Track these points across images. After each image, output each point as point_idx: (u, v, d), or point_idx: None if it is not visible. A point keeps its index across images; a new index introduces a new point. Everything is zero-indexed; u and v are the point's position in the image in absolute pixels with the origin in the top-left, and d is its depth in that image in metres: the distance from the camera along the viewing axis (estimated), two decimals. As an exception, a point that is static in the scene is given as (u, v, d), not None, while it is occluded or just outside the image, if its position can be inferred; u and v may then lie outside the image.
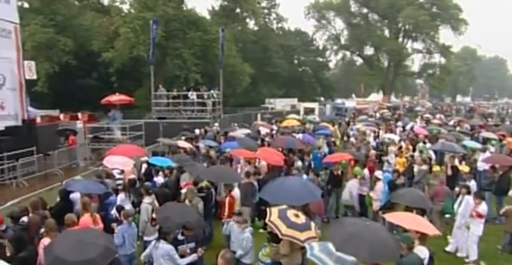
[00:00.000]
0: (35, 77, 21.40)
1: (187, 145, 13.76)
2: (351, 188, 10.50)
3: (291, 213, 6.13)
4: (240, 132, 16.84)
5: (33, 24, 34.45)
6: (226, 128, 19.85)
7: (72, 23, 39.62)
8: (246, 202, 8.94)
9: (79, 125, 23.79)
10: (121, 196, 8.28)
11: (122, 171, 9.68)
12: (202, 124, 22.24)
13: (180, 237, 6.45)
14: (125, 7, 38.83)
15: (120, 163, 9.71)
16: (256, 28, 52.43)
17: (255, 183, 9.75)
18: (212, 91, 26.69)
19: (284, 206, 6.44)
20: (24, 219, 6.48)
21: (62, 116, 29.36)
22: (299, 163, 12.29)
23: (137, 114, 31.44)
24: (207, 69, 39.56)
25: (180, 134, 18.21)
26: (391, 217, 6.91)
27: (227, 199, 8.14)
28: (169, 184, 9.27)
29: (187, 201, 7.81)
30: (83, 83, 39.35)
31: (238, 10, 45.01)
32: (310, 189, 7.48)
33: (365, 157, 13.22)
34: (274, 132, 19.91)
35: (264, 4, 53.31)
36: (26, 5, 36.94)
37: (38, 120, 26.25)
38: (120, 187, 8.94)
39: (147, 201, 7.68)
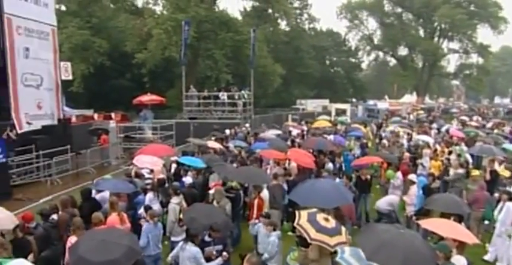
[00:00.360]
0: (70, 77, 21.92)
1: (217, 145, 13.68)
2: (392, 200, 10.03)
3: (320, 217, 5.91)
4: (270, 133, 16.69)
5: (70, 27, 35.42)
6: (256, 129, 19.71)
7: (107, 25, 40.53)
8: (275, 204, 8.74)
9: (112, 124, 24.21)
10: (149, 195, 8.25)
11: (152, 171, 9.69)
12: (232, 124, 22.21)
13: (207, 238, 6.34)
14: (158, 9, 39.49)
15: (150, 162, 9.71)
16: (288, 29, 52.16)
17: (284, 185, 9.56)
18: (243, 91, 26.66)
19: (314, 209, 6.23)
20: (54, 216, 6.54)
21: (96, 116, 30.01)
22: (330, 165, 11.99)
23: (169, 114, 31.78)
24: (238, 69, 39.60)
25: (210, 134, 18.21)
26: (427, 223, 6.53)
27: (256, 201, 7.96)
28: (197, 184, 9.20)
29: (215, 202, 7.68)
30: (116, 83, 40.14)
31: (270, 11, 44.86)
32: (341, 191, 7.22)
33: (398, 160, 12.78)
34: (304, 133, 19.63)
35: (296, 5, 52.97)
36: (63, 8, 37.96)
37: (73, 119, 26.93)
38: (149, 186, 8.93)
39: (175, 201, 7.62)
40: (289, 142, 15.23)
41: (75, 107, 32.38)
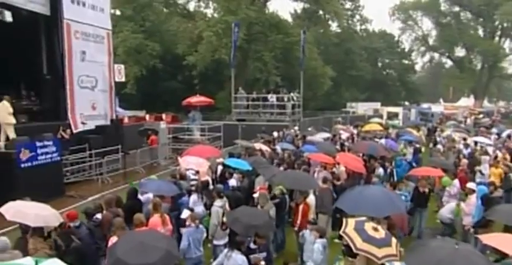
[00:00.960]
0: (123, 79, 22.57)
1: (264, 147, 13.52)
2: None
3: (369, 226, 5.51)
4: (319, 136, 16.28)
5: (125, 31, 36.64)
6: (304, 132, 19.33)
7: (160, 29, 41.58)
8: (323, 209, 8.40)
9: (162, 125, 24.68)
10: (193, 197, 8.17)
11: (197, 172, 9.62)
12: (281, 127, 21.98)
13: (252, 245, 6.12)
14: (209, 12, 40.02)
15: (195, 163, 9.66)
16: (338, 30, 51.31)
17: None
18: (292, 94, 26.35)
19: (363, 218, 5.84)
20: (98, 215, 6.59)
21: (147, 117, 30.85)
22: (380, 170, 11.43)
23: (218, 116, 32.10)
24: (288, 72, 39.34)
25: (258, 136, 18.06)
26: (489, 239, 5.89)
27: (301, 207, 7.64)
28: (242, 187, 9.01)
29: (259, 207, 7.46)
30: (168, 85, 41.06)
31: (320, 12, 44.30)
32: (393, 199, 6.71)
33: (454, 167, 11.99)
34: (354, 136, 18.98)
35: (347, 6, 52.02)
36: (118, 13, 39.33)
37: (126, 120, 27.79)
38: (193, 188, 8.86)
39: (218, 204, 7.47)
40: (338, 146, 14.78)
41: (128, 108, 33.45)
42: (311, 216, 7.69)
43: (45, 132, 14.94)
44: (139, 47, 37.01)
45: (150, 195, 7.50)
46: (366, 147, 12.91)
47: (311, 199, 7.96)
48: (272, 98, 25.73)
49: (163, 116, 31.31)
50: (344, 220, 5.75)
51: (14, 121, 13.21)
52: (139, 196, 7.65)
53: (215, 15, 38.10)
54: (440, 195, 10.83)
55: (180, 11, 42.06)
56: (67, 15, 17.27)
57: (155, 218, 6.33)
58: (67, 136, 14.84)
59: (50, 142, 12.59)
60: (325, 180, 8.82)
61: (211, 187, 9.32)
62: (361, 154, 12.84)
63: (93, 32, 18.98)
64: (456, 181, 10.30)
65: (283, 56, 38.36)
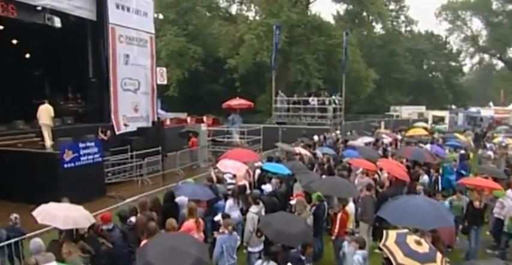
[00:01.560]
0: (165, 82, 22.89)
1: (304, 151, 13.17)
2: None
3: (411, 239, 5.11)
4: (361, 141, 15.73)
5: (168, 34, 37.33)
6: (346, 136, 18.82)
7: (202, 32, 42.08)
8: (365, 217, 8.03)
9: (203, 127, 24.83)
10: (229, 202, 8.01)
11: (234, 176, 9.48)
12: (322, 130, 21.55)
13: (301, 257, 5.87)
14: (250, 15, 40.09)
15: (233, 167, 9.50)
16: (383, 32, 50.08)
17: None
18: (333, 97, 25.85)
19: (405, 230, 5.45)
20: (132, 219, 6.55)
21: (188, 119, 31.21)
22: (425, 177, 10.83)
23: (259, 119, 32.01)
24: (330, 74, 38.80)
25: (298, 140, 17.74)
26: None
27: (339, 215, 7.27)
28: (279, 193, 8.70)
29: (296, 214, 7.18)
30: (209, 88, 41.45)
31: (364, 14, 43.37)
32: (441, 211, 6.18)
33: (507, 175, 11.19)
34: (398, 141, 18.15)
35: (392, 7, 50.66)
36: (161, 16, 40.11)
37: (167, 122, 28.20)
38: (230, 192, 8.72)
39: (254, 210, 7.26)
40: (380, 151, 14.20)
41: (170, 110, 34.01)
42: (350, 225, 7.32)
43: (90, 133, 15.41)
44: (181, 50, 37.59)
45: (185, 198, 7.41)
46: (411, 153, 12.23)
47: (350, 207, 7.57)
48: (313, 101, 25.35)
49: (204, 118, 31.59)
50: (385, 232, 5.38)
51: (52, 124, 13.84)
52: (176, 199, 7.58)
53: (257, 18, 38.11)
54: (491, 207, 10.05)
55: (222, 14, 42.42)
56: (112, 20, 17.70)
57: (190, 223, 6.20)
58: (105, 138, 15.08)
59: (92, 144, 12.85)
60: (369, 187, 8.41)
61: (248, 191, 9.17)
62: (404, 161, 12.28)
63: (136, 35, 19.35)
64: (510, 192, 9.54)
65: (325, 59, 37.84)
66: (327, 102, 25.22)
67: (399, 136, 19.20)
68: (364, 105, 46.28)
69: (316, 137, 18.68)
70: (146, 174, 15.68)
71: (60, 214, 5.49)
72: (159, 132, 19.77)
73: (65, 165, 11.89)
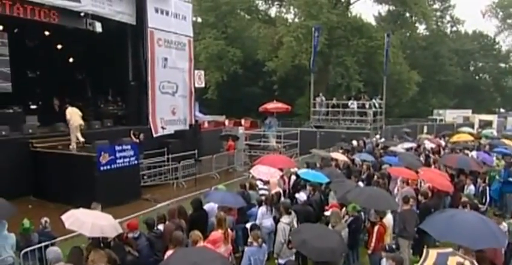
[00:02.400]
0: (203, 85, 22.93)
1: (341, 158, 12.66)
2: None
3: (453, 261, 4.60)
4: (401, 146, 14.95)
5: (208, 38, 37.60)
6: (386, 141, 18.08)
7: (241, 35, 42.18)
8: (405, 233, 7.45)
9: (241, 130, 24.74)
10: (262, 209, 7.72)
11: (267, 182, 9.18)
12: (361, 135, 20.90)
13: None
14: (289, 17, 39.72)
15: (266, 173, 9.21)
16: (426, 33, 48.36)
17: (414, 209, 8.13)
18: (374, 100, 25.09)
19: (447, 249, 4.96)
20: (160, 226, 6.40)
21: (226, 122, 31.19)
22: (471, 187, 10.03)
23: (297, 122, 31.63)
24: (371, 77, 37.88)
25: (336, 145, 17.21)
26: None
27: (376, 228, 6.79)
28: (314, 201, 8.27)
29: (330, 226, 6.79)
30: (248, 91, 41.43)
31: (407, 14, 42.03)
32: (493, 230, 5.55)
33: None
34: (441, 147, 17.08)
35: (436, 6, 48.79)
36: (199, 20, 40.45)
37: (205, 125, 28.29)
38: (263, 197, 8.44)
39: (285, 220, 6.94)
40: (422, 158, 13.42)
41: (208, 113, 34.20)
42: (387, 239, 6.83)
43: (128, 136, 15.60)
44: (220, 53, 37.77)
45: (215, 205, 7.19)
46: (455, 160, 11.39)
47: (388, 219, 7.04)
48: (353, 104, 24.71)
49: (242, 121, 31.53)
50: (425, 250, 4.91)
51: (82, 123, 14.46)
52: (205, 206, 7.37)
53: (296, 20, 37.70)
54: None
55: (261, 17, 42.29)
56: (151, 24, 17.92)
57: (217, 234, 5.96)
58: (137, 141, 15.14)
59: (128, 147, 12.95)
60: (407, 200, 7.79)
61: (282, 199, 8.86)
62: (447, 168, 11.53)
63: (175, 39, 19.51)
64: None
65: (366, 61, 36.94)
66: (367, 106, 24.53)
67: (443, 142, 18.17)
68: (406, 109, 44.82)
69: (355, 142, 18.05)
70: (182, 177, 15.66)
71: (89, 221, 5.41)
72: (196, 135, 19.82)
73: (101, 168, 12.03)
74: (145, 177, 14.73)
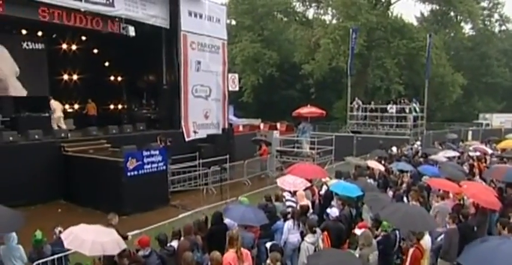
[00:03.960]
0: (237, 88, 22.63)
1: (377, 166, 11.73)
2: None
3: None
4: (443, 155, 13.90)
5: (244, 40, 37.39)
6: (427, 148, 16.99)
7: (278, 37, 41.76)
8: (447, 256, 6.63)
9: (275, 134, 24.24)
10: (288, 224, 7.16)
11: (294, 193, 8.63)
12: (400, 141, 19.92)
13: None
14: (327, 18, 38.88)
15: (292, 184, 8.66)
16: (472, 33, 46.10)
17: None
18: (414, 104, 23.95)
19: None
20: (174, 243, 5.99)
21: (261, 125, 30.84)
22: (522, 205, 8.94)
23: (334, 126, 30.83)
24: (412, 80, 36.46)
25: (373, 152, 16.32)
26: None
27: (412, 251, 6.00)
28: (344, 217, 7.52)
29: (358, 249, 6.11)
30: (285, 94, 40.90)
31: (451, 13, 40.20)
32: None
33: None
34: (488, 156, 15.65)
35: (484, 4, 46.36)
36: (233, 22, 40.28)
37: (240, 128, 28.07)
38: (290, 209, 7.91)
39: (310, 240, 6.36)
40: (466, 167, 12.33)
41: (244, 116, 34.00)
42: (424, 263, 6.11)
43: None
44: (257, 55, 37.49)
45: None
46: (503, 173, 10.22)
47: (426, 241, 6.23)
48: (392, 108, 23.67)
49: (278, 125, 31.08)
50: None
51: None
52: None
53: (334, 21, 36.82)
54: None
55: (298, 19, 41.64)
56: (184, 27, 17.80)
57: (230, 254, 5.46)
58: (163, 145, 14.94)
59: (157, 152, 12.75)
60: (454, 219, 6.93)
61: (311, 212, 8.31)
62: (494, 181, 10.50)
63: (209, 42, 19.32)
64: None
65: (406, 63, 35.55)
66: (407, 110, 23.41)
67: (489, 150, 16.78)
68: (449, 113, 42.81)
69: (394, 149, 17.10)
70: (212, 183, 15.34)
71: (89, 239, 5.05)
72: (228, 140, 19.54)
73: (129, 173, 11.88)
74: (175, 182, 14.48)
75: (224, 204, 9.52)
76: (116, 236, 5.36)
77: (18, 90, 17.48)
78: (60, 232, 6.28)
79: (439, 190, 8.86)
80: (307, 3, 40.90)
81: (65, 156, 13.45)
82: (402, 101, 24.55)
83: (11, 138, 12.67)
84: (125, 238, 7.07)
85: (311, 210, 8.32)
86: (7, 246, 6.14)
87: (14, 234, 6.19)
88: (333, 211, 7.17)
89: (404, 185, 10.01)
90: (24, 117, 15.18)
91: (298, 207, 7.95)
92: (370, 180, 10.35)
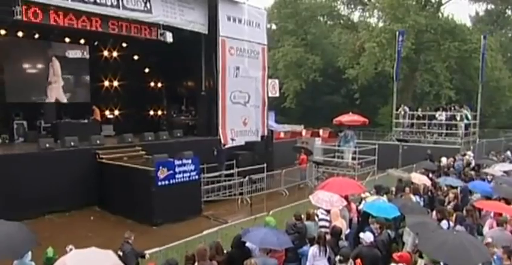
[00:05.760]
0: (277, 94, 22.10)
1: (422, 181, 10.49)
2: None
3: None
4: (499, 168, 12.47)
5: (286, 45, 36.83)
6: (480, 159, 15.57)
7: (322, 42, 40.85)
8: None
9: (317, 141, 23.49)
10: (314, 250, 6.31)
11: (328, 212, 7.90)
12: (450, 151, 18.53)
13: None
14: (373, 21, 37.57)
15: (327, 201, 7.89)
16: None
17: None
18: (466, 111, 22.39)
19: None
20: (185, 269, 5.48)
21: (303, 132, 30.03)
22: None
23: (381, 133, 29.58)
24: (464, 84, 34.56)
25: (419, 163, 15.20)
26: None
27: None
28: (379, 242, 6.59)
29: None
30: (329, 99, 39.90)
31: (508, 13, 37.79)
32: None
33: None
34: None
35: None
36: (274, 27, 39.74)
37: (281, 135, 27.44)
38: (323, 230, 7.19)
39: (339, 270, 5.68)
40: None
41: (287, 122, 33.34)
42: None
43: (196, 147, 15.18)
44: (300, 60, 36.83)
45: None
46: None
47: None
48: (441, 115, 22.21)
49: (321, 131, 30.14)
50: None
51: None
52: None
53: (380, 24, 35.47)
54: None
55: (343, 22, 40.58)
56: (223, 32, 17.53)
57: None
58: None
59: (189, 161, 12.38)
60: (510, 254, 5.72)
61: (347, 231, 7.58)
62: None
63: (248, 47, 18.96)
64: None
65: (458, 66, 33.67)
66: (458, 118, 21.88)
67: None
68: (506, 119, 40.12)
69: (444, 159, 15.70)
70: (247, 193, 14.81)
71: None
72: (267, 147, 19.01)
73: (159, 183, 11.58)
74: (209, 191, 14.07)
75: (254, 220, 8.84)
76: (113, 260, 4.86)
77: (60, 96, 17.85)
78: (71, 250, 5.95)
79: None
80: (352, 6, 39.82)
81: (99, 163, 13.40)
82: (453, 108, 22.97)
83: (47, 145, 12.77)
84: (142, 256, 6.74)
85: (347, 230, 7.61)
86: (20, 263, 5.88)
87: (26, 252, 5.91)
88: (367, 236, 6.37)
89: (451, 204, 8.89)
90: (63, 124, 15.38)
91: (331, 228, 7.22)
92: (416, 197, 9.35)
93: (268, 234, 5.93)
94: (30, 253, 5.85)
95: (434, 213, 8.12)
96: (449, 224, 7.45)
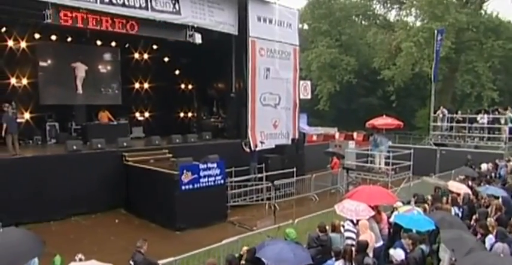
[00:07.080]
0: (309, 96, 21.56)
1: (460, 189, 9.66)
2: None
3: None
4: None
5: (320, 46, 36.09)
6: (525, 166, 14.50)
7: (356, 42, 39.83)
8: None
9: (351, 145, 22.72)
10: (338, 265, 5.93)
11: (356, 223, 7.34)
12: (493, 156, 17.33)
13: None
14: (410, 20, 36.23)
15: (352, 211, 7.38)
16: None
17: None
18: (510, 113, 21.03)
19: None
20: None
21: (337, 135, 29.22)
22: None
23: (418, 137, 28.42)
24: (508, 85, 32.78)
25: (458, 170, 14.30)
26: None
27: None
28: (411, 259, 5.97)
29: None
30: (364, 101, 38.81)
31: None
32: None
33: None
34: None
35: None
36: (305, 27, 39.00)
37: (314, 138, 26.79)
38: (350, 242, 6.69)
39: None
40: None
41: (320, 125, 32.56)
42: None
43: (225, 149, 14.94)
44: (333, 61, 35.98)
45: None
46: None
47: None
48: (483, 118, 20.98)
49: (355, 134, 29.23)
50: None
51: None
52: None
53: (417, 23, 34.10)
54: None
55: (379, 22, 39.35)
56: (252, 33, 17.24)
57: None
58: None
59: (214, 165, 12.10)
60: None
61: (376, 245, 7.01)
62: None
63: (279, 48, 18.61)
64: None
65: (503, 66, 31.96)
66: (502, 121, 20.55)
67: None
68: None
69: (484, 165, 14.72)
70: (275, 198, 14.36)
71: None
72: (298, 151, 18.54)
73: (183, 187, 11.36)
74: (235, 196, 13.72)
75: (277, 229, 8.38)
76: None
77: (91, 98, 18.01)
78: (80, 260, 5.72)
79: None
80: (389, 5, 38.57)
81: (126, 166, 13.34)
82: (496, 110, 21.64)
83: (74, 147, 12.83)
84: (154, 267, 6.44)
85: (377, 243, 7.03)
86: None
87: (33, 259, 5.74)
88: (398, 254, 5.79)
89: (493, 217, 8.01)
90: (92, 126, 15.47)
91: (358, 242, 6.66)
92: (454, 208, 8.57)
93: (284, 250, 5.45)
94: (36, 260, 5.68)
95: (475, 226, 7.37)
96: (496, 239, 6.68)
